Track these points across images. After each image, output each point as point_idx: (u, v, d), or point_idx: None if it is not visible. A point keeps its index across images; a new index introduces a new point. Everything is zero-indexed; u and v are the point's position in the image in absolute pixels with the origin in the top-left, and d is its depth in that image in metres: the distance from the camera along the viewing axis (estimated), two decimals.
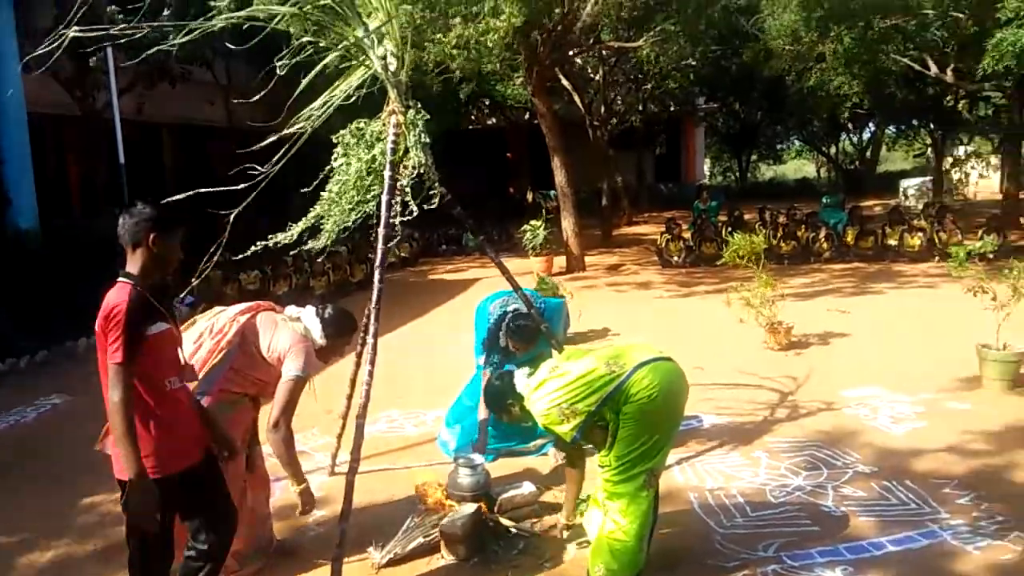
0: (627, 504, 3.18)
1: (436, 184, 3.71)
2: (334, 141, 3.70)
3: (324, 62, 3.62)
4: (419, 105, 3.64)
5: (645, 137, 23.79)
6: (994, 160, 22.46)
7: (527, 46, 11.38)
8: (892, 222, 12.79)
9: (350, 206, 3.59)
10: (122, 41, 3.21)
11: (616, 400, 3.18)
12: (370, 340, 3.46)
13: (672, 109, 22.20)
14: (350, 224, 3.65)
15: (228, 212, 3.38)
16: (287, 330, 3.29)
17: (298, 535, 3.96)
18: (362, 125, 3.69)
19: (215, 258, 3.40)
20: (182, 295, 9.58)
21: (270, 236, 3.66)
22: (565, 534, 3.73)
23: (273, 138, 3.53)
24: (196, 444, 2.77)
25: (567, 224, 12.87)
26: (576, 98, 16.58)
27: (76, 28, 3.06)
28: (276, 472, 3.78)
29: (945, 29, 13.67)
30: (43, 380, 7.44)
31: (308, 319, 3.40)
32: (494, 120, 24.62)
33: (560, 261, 12.92)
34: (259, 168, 3.44)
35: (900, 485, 4.16)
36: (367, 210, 3.67)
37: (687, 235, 13.52)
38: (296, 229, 3.69)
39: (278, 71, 3.52)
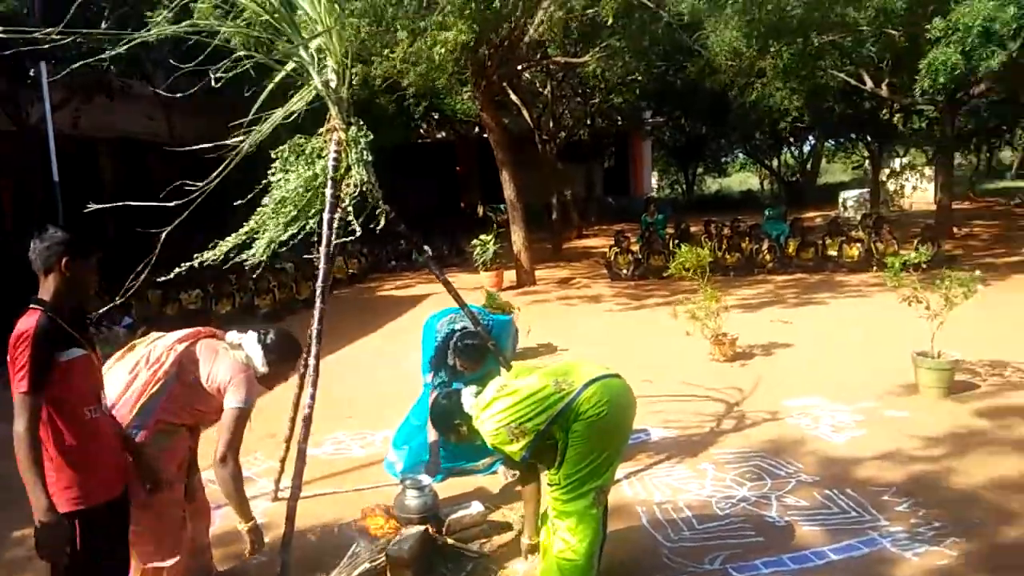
0: (576, 523, 3.17)
1: (380, 202, 3.67)
2: (274, 156, 3.64)
3: (274, 82, 3.56)
4: (361, 122, 3.60)
5: (594, 150, 24.04)
6: (928, 171, 23.29)
7: (475, 61, 11.41)
8: (831, 233, 13.15)
9: (286, 220, 3.52)
10: (46, 46, 3.09)
11: (566, 418, 3.17)
12: (312, 362, 3.40)
13: (620, 123, 22.49)
14: (287, 239, 3.57)
15: (159, 230, 3.28)
16: (228, 360, 3.18)
17: (239, 564, 3.84)
18: (302, 141, 3.64)
19: (142, 277, 3.29)
20: (120, 317, 9.29)
21: (196, 255, 3.55)
22: (529, 557, 3.65)
23: (214, 155, 3.46)
24: (119, 475, 2.67)
25: (517, 238, 12.88)
26: (525, 112, 16.68)
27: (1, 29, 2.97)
28: (216, 500, 3.67)
29: (880, 45, 14.19)
30: None
31: (249, 346, 3.28)
32: (444, 134, 24.61)
33: (511, 275, 12.92)
34: (198, 184, 3.36)
35: (841, 494, 4.25)
36: (310, 227, 3.61)
37: (636, 248, 13.68)
38: (222, 246, 3.58)
39: (213, 83, 3.46)
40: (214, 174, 3.41)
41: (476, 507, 4.04)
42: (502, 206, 14.48)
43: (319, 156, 3.59)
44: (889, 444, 4.93)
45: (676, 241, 12.78)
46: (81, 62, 3.66)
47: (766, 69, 13.57)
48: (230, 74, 3.51)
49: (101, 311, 4.93)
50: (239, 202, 3.72)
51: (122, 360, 3.19)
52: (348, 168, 3.55)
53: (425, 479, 4.11)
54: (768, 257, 12.87)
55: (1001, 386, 5.97)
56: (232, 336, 3.33)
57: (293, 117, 3.61)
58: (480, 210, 23.25)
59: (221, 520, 4.03)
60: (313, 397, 3.38)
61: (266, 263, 3.76)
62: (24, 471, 2.36)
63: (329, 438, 5.60)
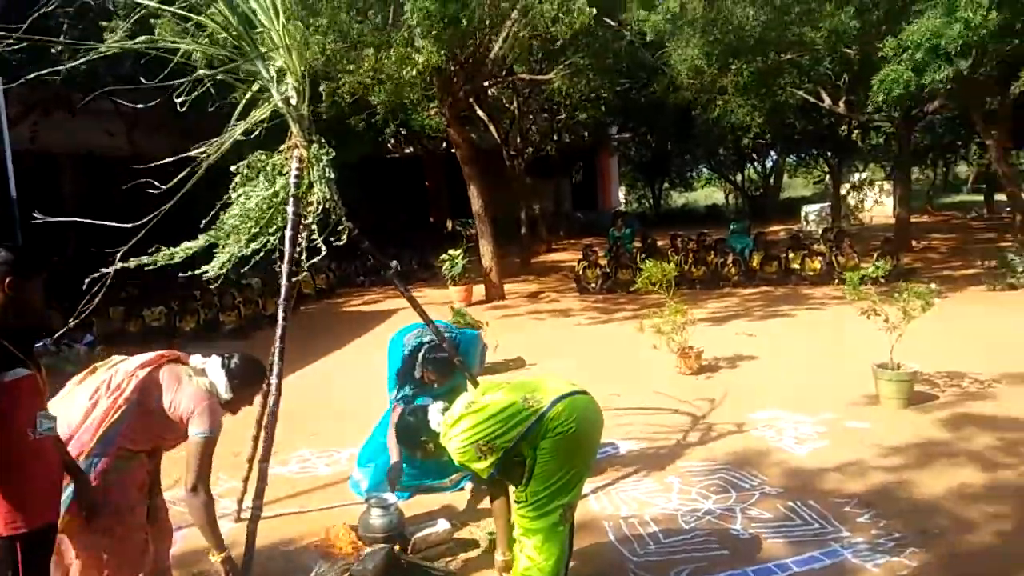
0: (543, 540, 3.15)
1: (343, 219, 3.65)
2: (234, 172, 3.60)
3: (244, 99, 3.53)
4: (323, 139, 3.59)
5: (562, 165, 24.24)
6: (887, 186, 23.85)
7: (441, 77, 11.45)
8: (794, 247, 13.39)
9: (248, 236, 3.48)
10: None
11: (535, 435, 3.16)
12: (274, 380, 3.36)
13: (586, 138, 22.70)
14: (249, 255, 3.52)
15: (116, 250, 3.22)
16: (190, 388, 3.10)
17: None
18: (263, 158, 3.61)
19: (97, 298, 3.21)
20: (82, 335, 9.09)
21: (131, 258, 3.41)
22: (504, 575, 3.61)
23: (178, 172, 3.41)
24: (59, 497, 2.61)
25: (486, 252, 12.89)
26: (492, 128, 16.75)
27: None
28: (177, 521, 3.60)
29: (836, 64, 14.55)
30: None
31: (213, 371, 3.20)
32: (411, 149, 24.60)
33: (480, 290, 12.92)
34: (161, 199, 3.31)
35: (804, 505, 4.30)
36: (271, 243, 3.58)
37: (603, 262, 13.78)
38: (166, 253, 3.48)
39: (179, 107, 3.41)
40: (176, 190, 3.36)
41: (442, 525, 4.01)
42: (471, 221, 14.52)
43: (280, 173, 3.56)
44: (851, 455, 5.01)
45: (643, 255, 12.89)
46: (35, 74, 3.59)
47: (727, 86, 13.85)
48: (193, 95, 3.47)
49: (61, 331, 4.82)
50: (204, 220, 3.66)
51: (82, 384, 3.11)
52: (310, 185, 3.53)
53: (391, 498, 4.06)
54: (733, 271, 13.05)
55: (959, 396, 6.10)
56: (196, 360, 3.26)
57: (256, 133, 3.58)
58: (449, 225, 23.27)
59: (183, 541, 3.94)
60: (275, 415, 3.34)
61: (231, 278, 3.70)
62: None
63: (294, 456, 5.53)
